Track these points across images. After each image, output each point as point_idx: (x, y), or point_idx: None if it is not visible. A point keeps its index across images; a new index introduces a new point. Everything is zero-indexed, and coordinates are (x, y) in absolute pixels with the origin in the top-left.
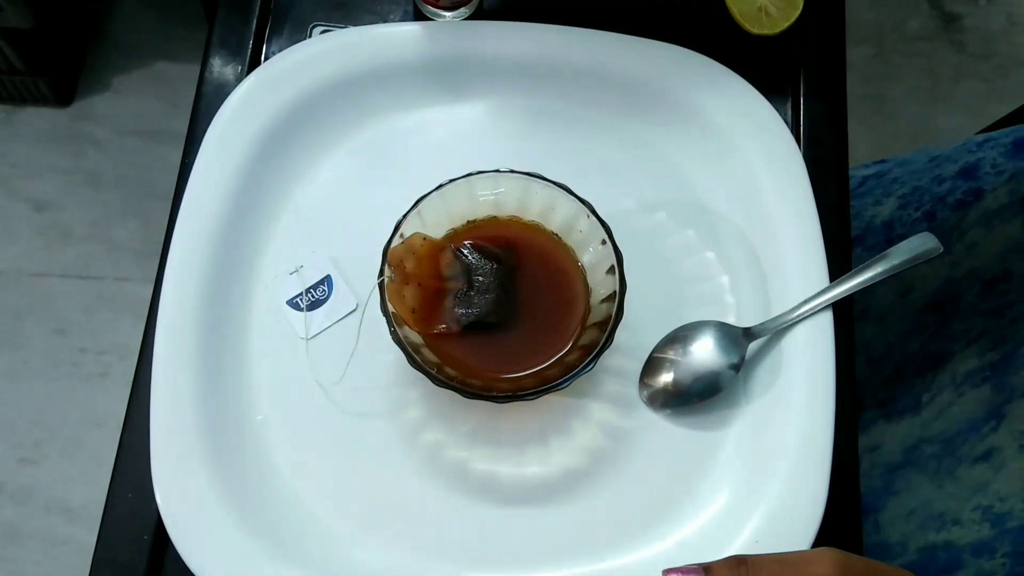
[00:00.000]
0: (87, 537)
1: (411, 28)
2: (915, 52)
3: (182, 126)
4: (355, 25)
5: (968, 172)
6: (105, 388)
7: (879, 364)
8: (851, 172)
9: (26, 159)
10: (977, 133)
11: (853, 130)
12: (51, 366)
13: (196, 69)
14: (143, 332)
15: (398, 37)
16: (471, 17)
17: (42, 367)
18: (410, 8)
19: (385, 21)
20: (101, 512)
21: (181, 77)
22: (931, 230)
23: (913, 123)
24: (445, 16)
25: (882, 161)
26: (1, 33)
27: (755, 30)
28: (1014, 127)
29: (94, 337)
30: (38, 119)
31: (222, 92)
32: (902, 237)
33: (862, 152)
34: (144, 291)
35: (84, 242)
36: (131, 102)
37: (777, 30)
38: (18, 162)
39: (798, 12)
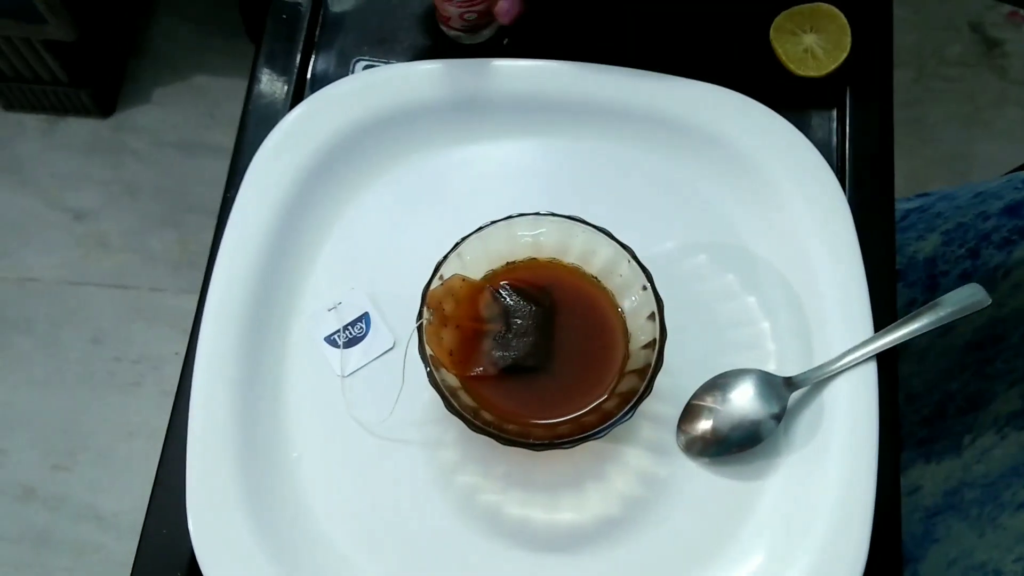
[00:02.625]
0: (117, 545)
1: (453, 65)
2: (956, 77)
3: (219, 138)
4: (397, 60)
5: (1014, 209)
6: (138, 397)
7: (918, 402)
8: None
9: (67, 169)
10: (1019, 167)
11: None
12: (86, 375)
13: (234, 83)
14: (180, 371)
15: (441, 74)
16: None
17: (77, 375)
18: (450, 43)
19: (426, 56)
20: (132, 520)
21: (220, 90)
22: (975, 268)
23: (952, 149)
24: (468, 39)
25: (925, 194)
26: (45, 45)
27: (800, 72)
28: None
29: (129, 347)
30: (79, 130)
31: (266, 124)
32: (945, 275)
33: (899, 176)
34: (178, 302)
35: (121, 252)
36: (170, 114)
37: (823, 72)
38: (59, 172)
39: (845, 54)
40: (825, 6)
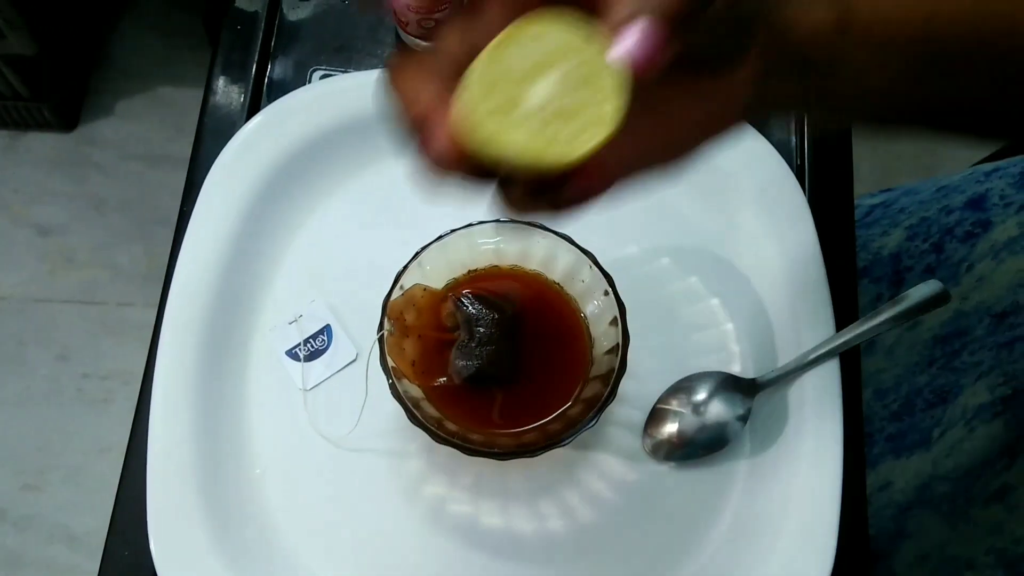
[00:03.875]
0: (89, 565)
1: None
2: None
3: (185, 150)
4: (355, 69)
5: (976, 203)
6: (108, 414)
7: (886, 397)
8: (857, 201)
9: (30, 184)
10: (982, 160)
11: (856, 151)
12: (54, 392)
13: (199, 94)
14: (140, 385)
15: None
16: None
17: (45, 393)
18: (409, 51)
19: (385, 65)
20: (103, 540)
21: (184, 101)
22: (939, 262)
23: (918, 145)
24: (422, 46)
25: (889, 190)
26: (5, 60)
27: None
28: (1022, 156)
29: (97, 363)
30: (42, 144)
31: (222, 136)
32: (910, 269)
33: (866, 173)
34: (147, 316)
35: (87, 267)
36: (134, 127)
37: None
38: (22, 187)
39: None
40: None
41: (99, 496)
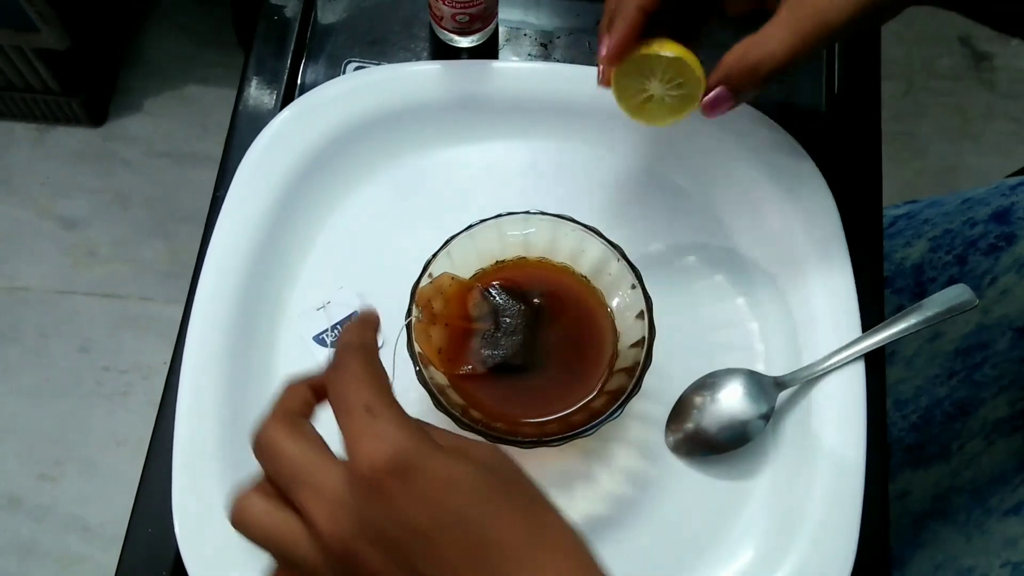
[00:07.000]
0: (104, 556)
1: (444, 66)
2: (945, 90)
3: (211, 149)
4: (388, 62)
5: (1001, 216)
6: (126, 407)
7: (906, 407)
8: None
9: (56, 178)
10: (1009, 175)
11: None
12: (73, 384)
13: (226, 93)
14: (167, 372)
15: (431, 75)
16: (493, 51)
17: (65, 385)
18: (443, 45)
19: (418, 58)
20: (118, 531)
21: (211, 100)
22: (962, 274)
23: (942, 161)
24: (460, 42)
25: (913, 201)
26: (37, 54)
27: (632, 113)
28: None
29: (117, 356)
30: (70, 138)
31: (256, 125)
32: (933, 281)
33: (890, 189)
34: (168, 311)
35: (110, 261)
36: (162, 124)
37: (659, 123)
38: (48, 181)
39: (693, 106)
40: (671, 52)
41: (114, 488)
